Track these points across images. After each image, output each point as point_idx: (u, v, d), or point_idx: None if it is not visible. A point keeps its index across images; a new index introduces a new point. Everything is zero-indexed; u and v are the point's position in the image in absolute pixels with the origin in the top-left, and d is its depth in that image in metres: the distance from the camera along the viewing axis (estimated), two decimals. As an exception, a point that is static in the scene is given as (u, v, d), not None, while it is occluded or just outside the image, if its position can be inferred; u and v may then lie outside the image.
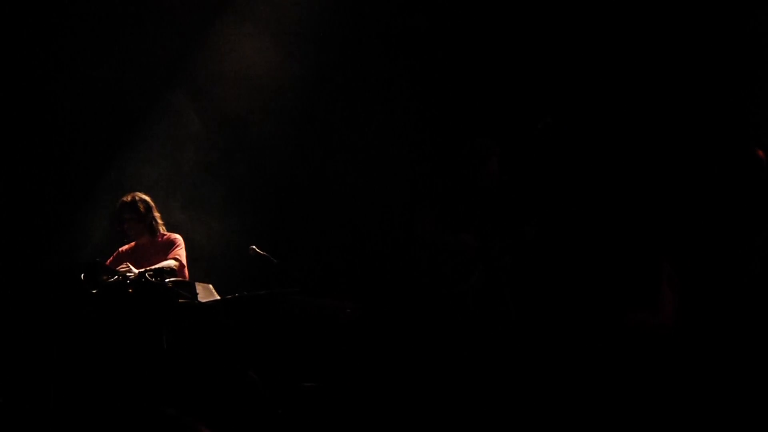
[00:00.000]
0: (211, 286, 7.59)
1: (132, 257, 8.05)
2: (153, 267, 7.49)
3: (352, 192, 9.22)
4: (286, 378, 7.19)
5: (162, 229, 8.23)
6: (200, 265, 8.54)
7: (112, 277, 7.27)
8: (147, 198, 8.20)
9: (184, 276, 8.04)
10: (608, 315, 7.52)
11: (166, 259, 7.96)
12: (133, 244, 8.26)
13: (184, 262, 8.06)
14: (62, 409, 6.85)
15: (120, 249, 8.29)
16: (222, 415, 6.83)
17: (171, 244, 8.13)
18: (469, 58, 9.03)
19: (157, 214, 8.22)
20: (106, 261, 8.09)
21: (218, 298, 7.47)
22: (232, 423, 6.87)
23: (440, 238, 7.66)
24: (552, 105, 8.19)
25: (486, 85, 8.88)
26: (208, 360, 7.10)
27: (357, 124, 9.14)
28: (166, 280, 7.30)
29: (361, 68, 9.26)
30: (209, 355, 7.13)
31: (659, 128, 8.49)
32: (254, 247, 7.88)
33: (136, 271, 7.39)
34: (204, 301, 7.38)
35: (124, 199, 8.15)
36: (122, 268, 7.51)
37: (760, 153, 6.97)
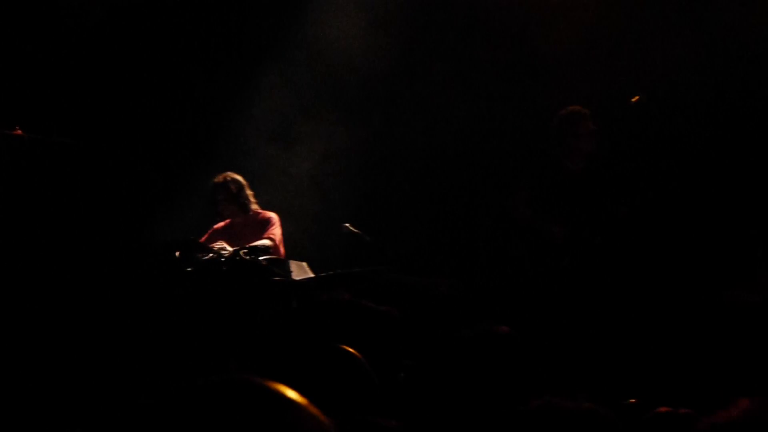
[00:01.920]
0: (305, 264, 7.63)
1: (226, 235, 8.09)
2: (248, 245, 7.54)
3: (445, 168, 9.17)
4: (383, 356, 7.19)
5: (256, 208, 8.28)
6: (295, 243, 8.56)
7: (207, 255, 7.34)
8: (238, 177, 8.24)
9: (279, 254, 8.07)
10: (705, 294, 7.46)
11: (261, 238, 8.02)
12: (227, 221, 8.32)
13: (279, 240, 8.10)
14: (155, 387, 6.93)
15: (214, 226, 8.34)
16: (319, 392, 6.89)
17: (266, 223, 8.17)
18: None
19: (249, 193, 8.25)
20: (201, 239, 8.18)
21: (312, 275, 7.51)
22: (330, 399, 6.91)
23: (533, 222, 7.63)
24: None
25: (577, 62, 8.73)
26: (302, 337, 7.15)
27: (451, 101, 9.07)
28: (260, 258, 7.36)
29: (452, 47, 9.20)
30: (303, 333, 7.17)
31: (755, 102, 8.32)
32: (348, 225, 7.90)
33: (231, 249, 7.45)
34: (298, 278, 7.42)
35: (216, 179, 8.21)
36: (217, 245, 7.58)
37: None
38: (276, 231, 8.13)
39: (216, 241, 7.84)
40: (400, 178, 9.24)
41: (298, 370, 3.49)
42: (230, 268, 7.25)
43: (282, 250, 8.19)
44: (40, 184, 8.11)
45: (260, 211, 8.30)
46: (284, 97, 9.30)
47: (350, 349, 3.54)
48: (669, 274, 8.00)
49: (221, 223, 8.33)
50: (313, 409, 1.93)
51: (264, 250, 7.52)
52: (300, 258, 7.80)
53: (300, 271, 7.53)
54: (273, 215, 8.24)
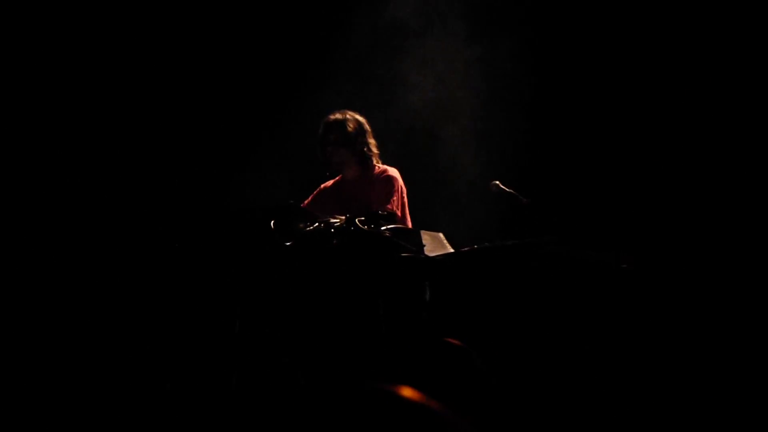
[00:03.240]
0: (441, 235, 5.77)
1: (336, 196, 6.36)
2: (366, 213, 5.68)
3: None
4: (544, 350, 5.35)
5: (377, 161, 6.48)
6: (428, 208, 6.73)
7: (312, 225, 5.53)
8: (361, 118, 6.45)
9: (405, 223, 6.31)
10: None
11: (382, 203, 6.23)
12: (338, 178, 6.54)
13: (400, 204, 6.33)
14: (248, 385, 5.29)
15: (321, 185, 6.59)
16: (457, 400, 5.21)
17: (388, 182, 6.38)
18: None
19: (372, 141, 6.46)
20: (304, 203, 6.41)
21: (451, 250, 5.65)
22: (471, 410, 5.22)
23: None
24: None
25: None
26: (438, 331, 5.40)
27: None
28: (383, 228, 5.52)
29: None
30: (439, 326, 5.41)
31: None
32: (497, 182, 6.01)
33: (342, 217, 5.67)
34: (432, 254, 5.57)
35: (331, 116, 6.44)
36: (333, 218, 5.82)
37: None
38: (397, 197, 6.36)
39: (324, 205, 6.05)
40: (562, 127, 7.32)
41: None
42: (342, 242, 5.43)
43: (409, 220, 6.38)
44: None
45: (382, 166, 6.48)
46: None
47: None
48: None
49: (330, 181, 6.56)
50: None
51: (388, 217, 5.65)
52: (435, 228, 5.92)
53: (435, 244, 5.67)
54: (395, 173, 6.44)
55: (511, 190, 5.90)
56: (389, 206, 6.23)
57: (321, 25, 7.76)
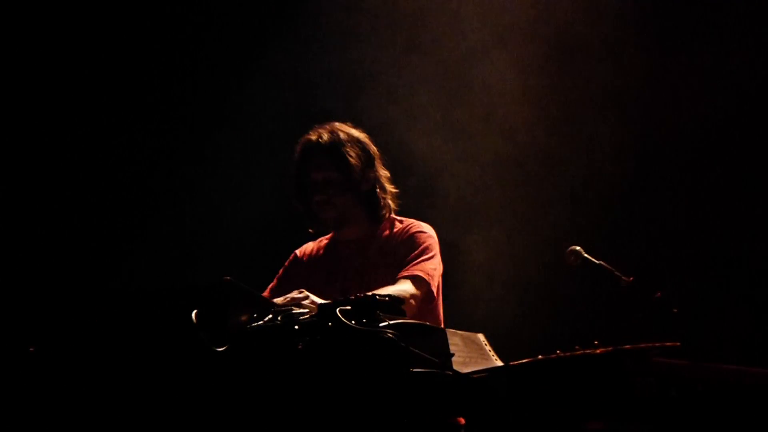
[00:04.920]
0: (481, 336, 3.47)
1: (326, 269, 4.16)
2: (374, 292, 3.36)
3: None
4: None
5: (394, 215, 4.23)
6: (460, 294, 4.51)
7: (263, 317, 3.22)
8: (362, 135, 4.18)
9: (434, 315, 4.08)
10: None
11: (400, 276, 3.96)
12: (327, 238, 4.29)
13: (436, 284, 4.07)
14: None
15: (297, 252, 4.34)
16: None
17: (415, 245, 4.09)
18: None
19: (383, 173, 4.20)
20: (267, 289, 4.15)
21: (498, 364, 3.33)
22: None
23: None
24: None
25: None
26: None
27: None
28: (383, 324, 3.19)
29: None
30: None
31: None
32: (578, 248, 3.73)
33: (319, 300, 3.39)
34: (467, 371, 3.25)
35: (311, 137, 4.14)
36: (296, 295, 3.54)
37: None
38: (432, 264, 4.06)
39: (304, 285, 3.80)
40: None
41: None
42: (312, 346, 3.16)
43: (439, 306, 4.15)
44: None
45: (402, 219, 4.25)
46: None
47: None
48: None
49: (313, 244, 4.31)
50: None
51: (399, 304, 3.31)
52: (473, 325, 3.64)
53: (471, 351, 3.39)
54: (428, 230, 4.18)
55: (601, 263, 3.60)
56: (423, 272, 3.97)
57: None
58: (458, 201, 5.80)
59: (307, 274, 4.14)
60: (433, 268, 4.01)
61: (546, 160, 5.72)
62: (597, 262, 3.69)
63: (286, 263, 4.25)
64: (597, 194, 5.39)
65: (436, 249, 4.08)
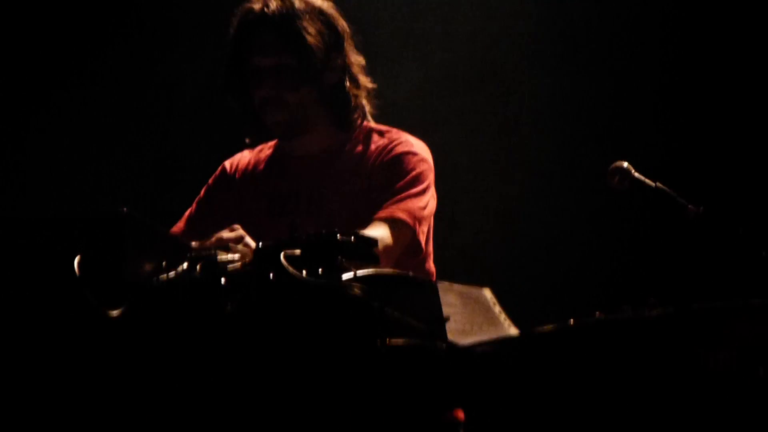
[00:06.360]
0: (488, 292, 2.55)
1: (267, 195, 3.20)
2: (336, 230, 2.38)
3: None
4: None
5: (371, 120, 3.28)
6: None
7: (178, 265, 2.30)
8: (329, 8, 3.17)
9: (422, 272, 3.16)
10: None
11: (376, 218, 3.05)
12: (270, 147, 3.35)
13: (426, 230, 3.15)
14: None
15: (228, 165, 3.37)
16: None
17: (401, 172, 3.13)
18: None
19: (357, 59, 3.21)
20: (182, 219, 3.26)
21: (512, 332, 2.41)
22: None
23: None
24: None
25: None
26: None
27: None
28: (345, 275, 2.26)
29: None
30: None
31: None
32: (625, 164, 2.81)
33: (258, 243, 2.41)
34: (469, 341, 2.32)
35: (254, 4, 3.11)
36: (227, 234, 2.64)
37: None
38: (424, 200, 3.12)
39: (234, 214, 3.00)
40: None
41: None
42: (245, 307, 2.26)
43: (431, 260, 3.24)
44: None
45: (382, 127, 3.26)
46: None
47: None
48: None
49: (249, 154, 3.36)
50: None
51: (362, 246, 2.38)
52: (478, 277, 2.74)
53: (475, 315, 2.47)
54: (420, 149, 3.21)
55: (659, 184, 2.69)
56: (410, 210, 3.05)
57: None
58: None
59: (239, 200, 3.18)
60: (421, 207, 3.06)
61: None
62: (653, 184, 2.77)
63: (210, 180, 3.27)
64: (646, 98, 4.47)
65: (429, 178, 3.13)
